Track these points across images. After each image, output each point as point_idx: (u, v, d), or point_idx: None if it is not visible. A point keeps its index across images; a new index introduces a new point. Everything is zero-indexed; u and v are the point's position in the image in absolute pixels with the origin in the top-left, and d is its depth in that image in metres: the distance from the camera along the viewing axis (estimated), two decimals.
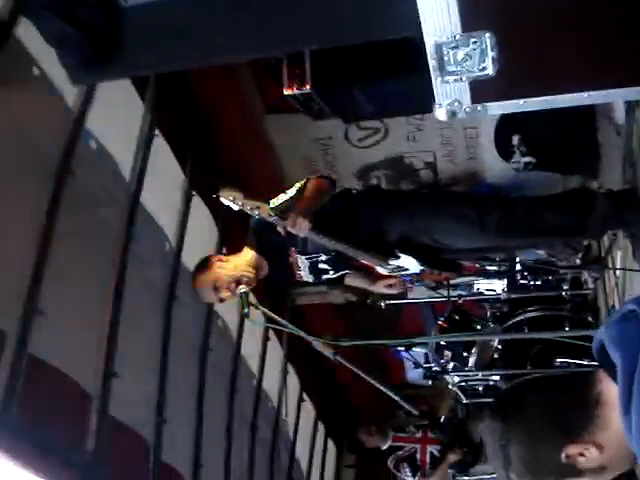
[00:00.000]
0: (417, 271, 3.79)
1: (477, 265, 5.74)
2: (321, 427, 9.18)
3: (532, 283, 5.67)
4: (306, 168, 5.98)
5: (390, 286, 3.98)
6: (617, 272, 4.36)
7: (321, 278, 3.88)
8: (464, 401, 6.26)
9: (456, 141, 6.00)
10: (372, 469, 7.23)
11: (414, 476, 6.43)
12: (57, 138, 3.71)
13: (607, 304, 4.91)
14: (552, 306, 5.71)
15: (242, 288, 3.49)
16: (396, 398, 3.55)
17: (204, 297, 3.69)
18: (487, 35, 1.61)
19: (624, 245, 4.05)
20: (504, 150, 5.51)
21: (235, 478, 5.94)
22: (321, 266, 3.79)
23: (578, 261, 5.44)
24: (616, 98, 1.79)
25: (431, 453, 6.42)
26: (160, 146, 4.80)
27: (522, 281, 5.72)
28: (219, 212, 5.45)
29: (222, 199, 3.23)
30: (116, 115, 4.39)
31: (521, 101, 1.75)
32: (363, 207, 3.71)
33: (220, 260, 3.64)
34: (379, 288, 4.02)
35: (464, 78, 1.70)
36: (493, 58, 1.65)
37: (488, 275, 5.62)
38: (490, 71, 1.68)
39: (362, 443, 6.72)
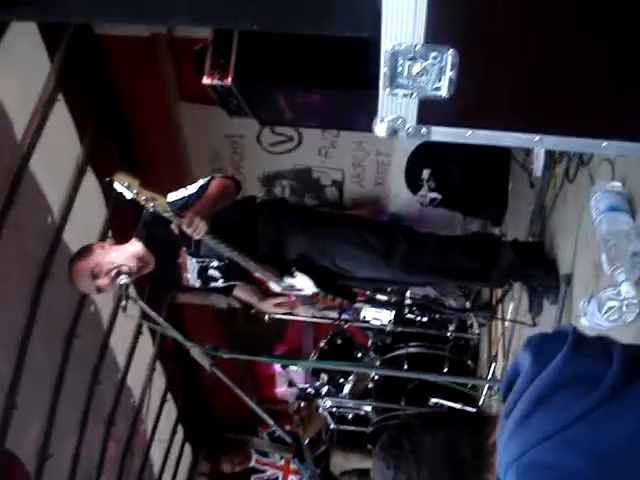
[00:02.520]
0: (311, 293, 3.63)
1: (368, 292, 5.66)
2: (180, 430, 8.92)
3: (419, 319, 5.63)
4: (212, 163, 5.78)
5: (279, 305, 3.80)
6: (506, 322, 4.34)
7: (209, 285, 3.64)
8: (332, 426, 6.16)
9: (367, 164, 5.94)
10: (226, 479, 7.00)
11: None
12: None
13: (490, 352, 4.90)
14: (434, 345, 5.68)
15: (123, 279, 3.23)
16: (268, 419, 3.37)
17: (81, 285, 3.39)
18: (450, 52, 1.46)
19: (519, 296, 4.03)
20: (413, 182, 5.45)
21: (82, 473, 5.63)
22: (211, 272, 3.56)
23: (467, 304, 5.44)
24: (569, 148, 1.69)
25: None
26: (61, 112, 4.49)
27: (409, 315, 5.68)
28: (112, 194, 5.15)
29: (115, 184, 2.98)
30: (19, 69, 4.07)
31: (468, 132, 1.62)
32: (266, 218, 3.52)
33: (102, 247, 3.37)
34: (267, 307, 3.85)
35: (414, 94, 1.55)
36: (451, 79, 1.50)
37: (377, 304, 5.53)
38: (444, 92, 1.53)
39: (225, 473, 6.54)
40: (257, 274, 3.52)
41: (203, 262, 3.51)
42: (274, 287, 3.62)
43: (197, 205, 3.20)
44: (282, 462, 6.32)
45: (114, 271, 3.27)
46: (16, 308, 4.42)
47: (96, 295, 4.54)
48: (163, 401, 7.88)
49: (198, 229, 3.10)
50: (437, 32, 1.43)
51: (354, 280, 3.71)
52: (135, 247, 3.42)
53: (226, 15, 1.61)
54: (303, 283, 3.54)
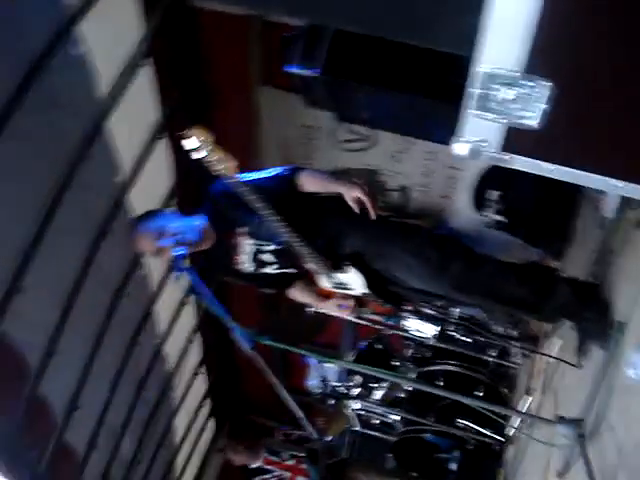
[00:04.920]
0: (361, 293, 3.61)
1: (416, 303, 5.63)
2: (207, 404, 9.00)
3: (462, 338, 5.58)
4: (283, 149, 5.79)
5: (341, 307, 3.76)
6: (550, 359, 4.27)
7: (260, 270, 3.64)
8: (357, 428, 6.16)
9: (437, 175, 5.89)
10: None
11: None
12: (42, 26, 3.44)
13: (528, 385, 4.83)
14: (473, 367, 5.64)
15: (181, 249, 3.27)
16: (298, 411, 3.38)
17: (141, 244, 3.44)
18: (548, 85, 1.43)
19: (567, 335, 3.95)
20: (479, 200, 5.41)
21: (106, 430, 5.73)
22: (264, 257, 3.57)
23: (514, 333, 5.36)
24: None
25: None
26: (146, 76, 4.55)
27: (452, 333, 5.63)
28: (182, 165, 5.21)
29: (190, 139, 2.93)
30: (114, 29, 4.12)
31: (552, 167, 1.59)
32: (332, 211, 3.52)
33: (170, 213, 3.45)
34: (329, 307, 3.80)
35: (505, 120, 1.52)
36: (544, 111, 1.47)
37: (422, 316, 5.50)
38: (534, 123, 1.51)
39: (230, 460, 6.52)
40: (310, 265, 3.50)
41: (261, 244, 3.52)
42: (324, 282, 3.61)
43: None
44: (292, 462, 6.29)
45: (178, 238, 3.32)
46: (72, 260, 4.50)
47: (150, 258, 4.61)
48: (196, 373, 7.96)
49: None
50: (539, 63, 1.40)
51: (404, 288, 3.67)
52: (201, 221, 3.47)
53: (327, 12, 1.61)
54: (354, 281, 3.52)
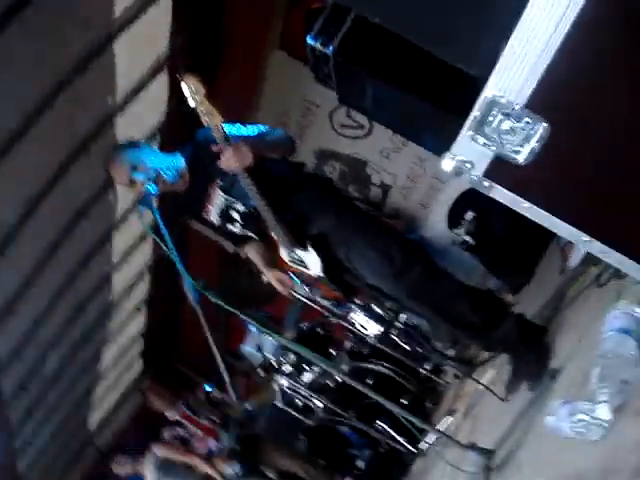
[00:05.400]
0: (316, 274, 3.61)
1: (367, 299, 5.66)
2: (140, 344, 9.02)
3: (402, 344, 5.63)
4: (278, 118, 5.79)
5: (280, 280, 3.76)
6: (479, 385, 4.33)
7: (225, 225, 3.65)
8: (279, 404, 6.22)
9: (420, 182, 5.94)
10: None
11: None
12: None
13: (452, 405, 4.89)
14: (405, 374, 5.70)
15: (153, 186, 3.26)
16: (225, 374, 3.41)
17: (117, 172, 3.43)
18: (544, 125, 1.45)
19: (502, 367, 4.01)
20: (454, 217, 5.43)
21: (35, 343, 5.73)
22: (232, 214, 3.57)
23: (452, 352, 5.42)
24: (615, 263, 1.67)
25: (209, 449, 6.29)
26: (164, 6, 4.51)
27: (394, 337, 5.67)
28: (175, 105, 5.19)
29: (184, 85, 2.96)
30: None
31: (527, 204, 1.62)
32: (308, 188, 3.53)
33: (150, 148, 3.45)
34: (270, 276, 3.81)
35: (494, 148, 1.54)
36: (533, 149, 1.50)
37: (370, 313, 5.53)
38: (521, 159, 1.53)
39: (149, 402, 6.50)
40: (274, 234, 3.50)
41: (230, 201, 3.51)
42: (283, 255, 3.62)
43: (251, 139, 3.23)
44: (207, 423, 6.30)
45: (153, 174, 3.33)
46: (44, 168, 4.47)
47: (121, 188, 4.58)
48: (138, 308, 7.97)
49: (240, 159, 3.12)
50: (540, 102, 1.42)
51: (358, 280, 3.67)
52: (180, 162, 3.46)
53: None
54: (312, 262, 3.52)
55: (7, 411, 5.95)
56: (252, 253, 3.80)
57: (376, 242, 3.44)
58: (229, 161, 3.15)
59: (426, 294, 3.42)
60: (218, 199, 3.54)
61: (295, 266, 3.65)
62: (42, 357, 6.21)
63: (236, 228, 3.63)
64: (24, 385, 6.08)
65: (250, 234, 3.68)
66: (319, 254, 3.49)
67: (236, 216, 3.58)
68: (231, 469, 6.11)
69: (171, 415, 6.34)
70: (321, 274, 3.57)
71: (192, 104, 2.98)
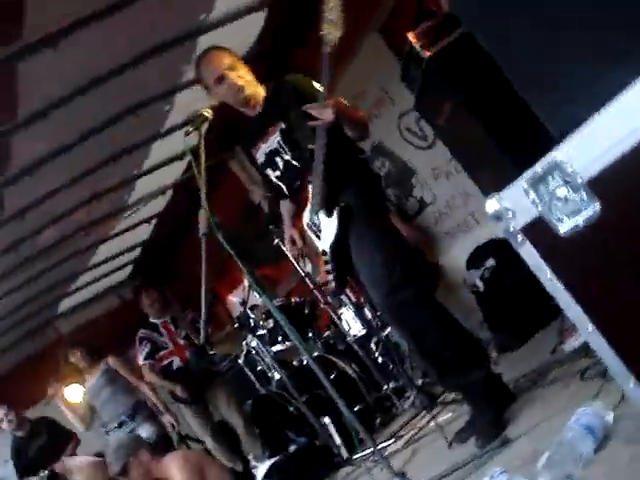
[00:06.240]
0: (322, 247, 3.53)
1: (361, 299, 5.67)
2: (136, 253, 9.12)
3: (376, 354, 5.65)
4: (353, 97, 5.77)
5: (293, 241, 3.76)
6: (431, 422, 4.33)
7: (267, 168, 3.66)
8: (240, 361, 6.29)
9: (456, 214, 5.91)
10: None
11: (146, 359, 6.35)
12: None
13: (398, 430, 4.89)
14: (367, 383, 5.72)
15: (207, 112, 3.27)
16: (203, 312, 3.44)
17: (206, 71, 3.57)
18: (597, 207, 1.44)
19: (459, 414, 4.02)
20: (475, 259, 5.40)
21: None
22: (277, 160, 3.58)
23: (419, 381, 5.41)
24: (607, 362, 1.65)
25: (171, 365, 6.32)
26: None
27: (372, 345, 5.69)
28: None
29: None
30: None
31: (550, 274, 1.61)
32: (361, 170, 3.56)
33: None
34: (287, 232, 3.83)
35: (541, 209, 1.53)
36: (577, 225, 1.49)
37: (359, 314, 5.55)
38: (562, 230, 1.52)
39: (139, 301, 6.52)
40: (312, 188, 3.43)
41: (282, 148, 3.52)
42: (304, 217, 3.59)
43: (344, 103, 3.32)
44: (183, 342, 6.33)
45: (237, 89, 3.48)
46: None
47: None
48: (144, 222, 8.03)
49: (328, 114, 3.13)
50: (603, 185, 1.41)
51: (352, 273, 3.62)
52: (261, 91, 3.58)
53: (483, 28, 1.60)
54: (327, 230, 3.47)
55: None
56: (284, 208, 3.82)
57: (386, 246, 3.41)
58: (326, 107, 3.14)
59: (407, 317, 3.36)
60: (272, 140, 3.55)
61: (309, 232, 3.60)
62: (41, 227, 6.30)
63: (274, 175, 3.63)
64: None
65: (283, 186, 3.67)
66: (337, 227, 3.42)
67: (280, 163, 3.57)
68: (180, 393, 6.17)
69: (154, 319, 6.37)
70: (328, 248, 3.51)
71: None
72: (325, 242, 3.51)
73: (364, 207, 3.45)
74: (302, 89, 3.47)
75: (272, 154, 3.58)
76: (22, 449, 6.53)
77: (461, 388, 3.56)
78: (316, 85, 3.38)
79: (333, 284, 3.59)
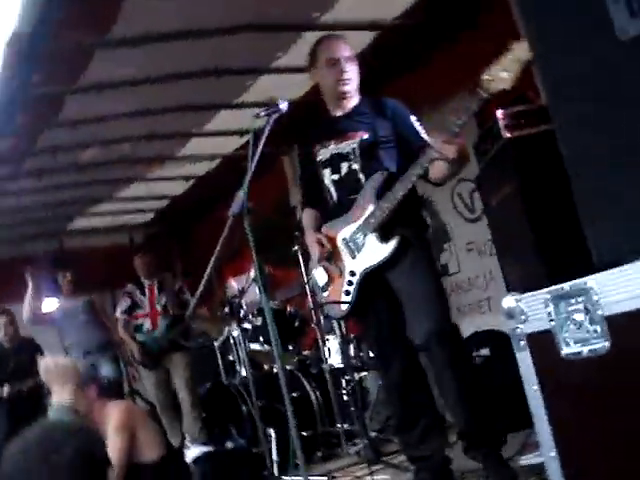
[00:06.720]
0: (352, 267, 3.42)
1: (351, 335, 5.63)
2: (164, 203, 9.18)
3: (343, 391, 5.61)
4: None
5: (320, 245, 3.57)
6: (368, 477, 4.32)
7: (323, 169, 3.60)
8: (216, 344, 6.32)
9: (473, 294, 5.93)
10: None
11: (123, 313, 6.44)
12: None
13: (339, 471, 4.87)
14: (324, 416, 5.71)
15: (284, 104, 3.27)
16: (201, 286, 3.46)
17: (326, 46, 3.58)
18: (607, 346, 1.43)
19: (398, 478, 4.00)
20: (471, 342, 5.35)
21: None
22: (342, 164, 3.51)
23: (373, 434, 5.37)
24: None
25: (147, 329, 6.37)
26: None
27: (343, 380, 5.65)
28: None
29: None
30: None
31: (535, 385, 1.60)
32: (417, 207, 3.62)
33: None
34: (311, 236, 3.67)
35: (553, 324, 1.53)
36: (580, 353, 1.48)
37: (344, 347, 5.51)
38: (565, 352, 1.51)
39: (139, 256, 6.59)
40: (374, 208, 3.37)
41: (354, 156, 3.49)
42: (346, 229, 3.49)
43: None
44: (160, 307, 6.37)
45: (343, 79, 3.50)
46: None
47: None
48: (183, 179, 8.10)
49: (452, 151, 3.13)
50: (623, 328, 1.40)
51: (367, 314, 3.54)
52: (357, 97, 3.60)
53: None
54: (371, 253, 3.38)
55: None
56: (307, 213, 3.79)
57: (440, 284, 3.47)
58: (454, 144, 3.13)
59: (454, 347, 3.34)
60: (347, 146, 3.52)
61: (343, 247, 3.48)
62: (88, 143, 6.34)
63: (330, 177, 3.57)
64: None
65: (332, 190, 3.60)
66: (393, 252, 3.34)
67: (343, 169, 3.52)
68: (137, 355, 6.20)
69: (144, 279, 6.45)
70: (361, 269, 3.40)
71: None
72: (360, 264, 3.41)
73: (419, 241, 3.43)
74: (401, 117, 3.47)
75: (339, 157, 3.51)
76: (3, 358, 6.61)
77: (410, 448, 3.56)
78: (413, 118, 3.44)
79: (342, 306, 3.52)
